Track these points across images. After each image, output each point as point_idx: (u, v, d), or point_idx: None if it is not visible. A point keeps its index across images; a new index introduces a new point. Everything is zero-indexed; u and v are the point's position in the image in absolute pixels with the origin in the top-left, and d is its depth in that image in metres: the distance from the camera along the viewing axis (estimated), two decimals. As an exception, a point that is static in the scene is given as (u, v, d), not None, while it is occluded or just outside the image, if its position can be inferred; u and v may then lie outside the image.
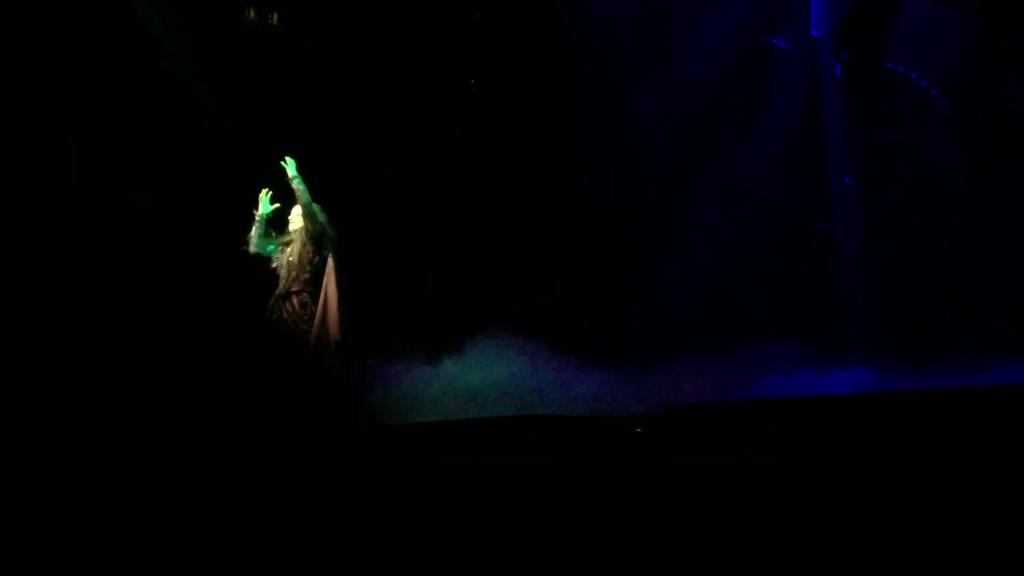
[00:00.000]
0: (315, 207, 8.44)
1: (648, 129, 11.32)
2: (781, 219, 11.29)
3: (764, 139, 11.39)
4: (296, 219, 8.54)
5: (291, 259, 8.43)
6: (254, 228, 8.48)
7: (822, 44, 11.38)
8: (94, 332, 8.80)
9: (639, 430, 6.79)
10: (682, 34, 11.40)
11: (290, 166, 8.37)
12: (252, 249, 8.51)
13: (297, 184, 8.35)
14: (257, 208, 8.51)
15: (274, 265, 8.52)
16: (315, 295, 8.37)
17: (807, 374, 10.30)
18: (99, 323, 8.85)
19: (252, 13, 10.18)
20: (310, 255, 8.41)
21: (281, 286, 8.43)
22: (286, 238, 8.56)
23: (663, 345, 10.44)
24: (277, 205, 8.52)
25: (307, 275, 8.40)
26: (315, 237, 8.41)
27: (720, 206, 11.27)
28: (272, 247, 8.55)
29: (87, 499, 5.97)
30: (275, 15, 10.24)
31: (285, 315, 8.37)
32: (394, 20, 10.46)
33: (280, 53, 10.14)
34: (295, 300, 8.39)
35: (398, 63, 10.50)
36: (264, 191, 8.50)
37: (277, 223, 8.63)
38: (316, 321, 8.31)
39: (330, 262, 8.43)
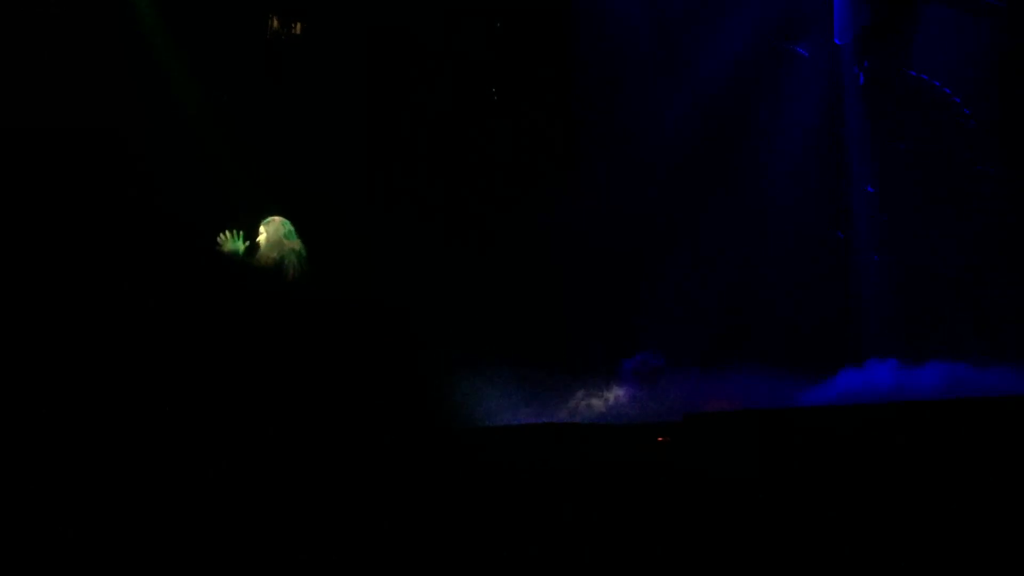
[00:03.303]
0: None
1: (668, 137, 11.31)
2: (803, 228, 11.27)
3: (786, 147, 11.38)
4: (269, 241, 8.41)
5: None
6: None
7: (844, 52, 11.37)
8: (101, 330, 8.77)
9: (660, 439, 6.80)
10: (702, 42, 11.40)
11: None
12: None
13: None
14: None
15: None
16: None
17: (829, 383, 10.28)
18: (106, 321, 8.82)
19: (275, 23, 10.24)
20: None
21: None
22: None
23: (681, 354, 10.42)
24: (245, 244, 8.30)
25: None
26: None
27: (741, 214, 11.26)
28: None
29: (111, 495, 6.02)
30: (298, 25, 10.29)
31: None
32: (415, 29, 10.49)
33: (298, 60, 10.16)
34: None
35: (417, 72, 10.53)
36: (225, 237, 8.10)
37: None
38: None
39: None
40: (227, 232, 8.08)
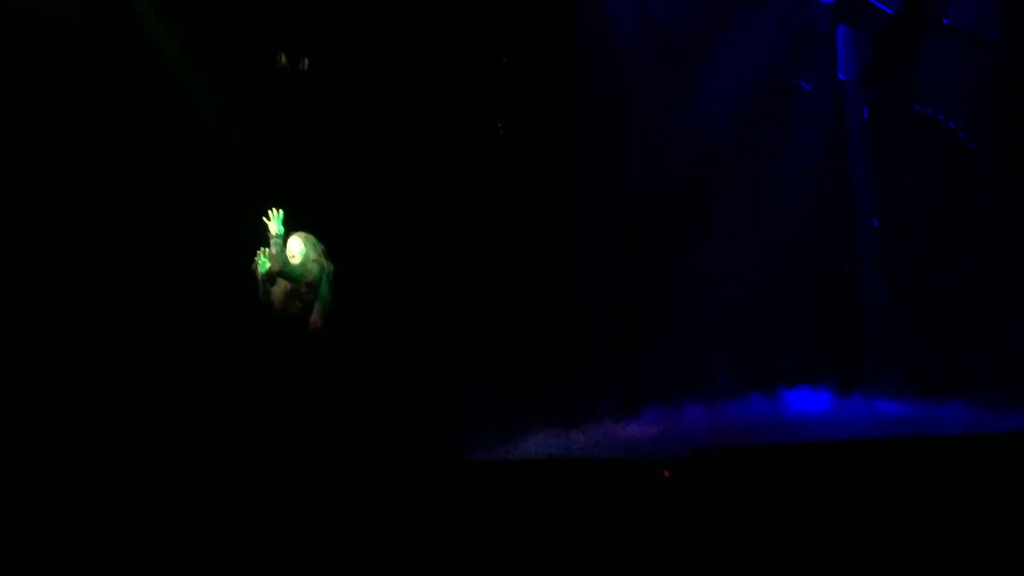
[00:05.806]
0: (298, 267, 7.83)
1: (670, 172, 11.33)
2: (808, 262, 11.25)
3: (791, 183, 11.38)
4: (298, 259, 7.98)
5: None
6: (272, 248, 7.73)
7: (849, 87, 11.40)
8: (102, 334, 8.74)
9: (667, 474, 6.75)
10: (707, 77, 11.42)
11: (276, 221, 7.74)
12: (263, 270, 7.80)
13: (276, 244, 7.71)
14: (269, 229, 7.77)
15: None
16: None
17: (835, 419, 10.23)
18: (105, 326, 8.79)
19: (282, 59, 10.28)
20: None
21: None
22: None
23: (684, 388, 10.39)
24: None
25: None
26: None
27: (746, 249, 11.25)
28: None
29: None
30: (305, 61, 10.32)
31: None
32: (420, 63, 10.51)
33: (307, 90, 10.18)
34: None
35: (423, 105, 10.53)
36: (273, 212, 7.80)
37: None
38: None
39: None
40: (261, 253, 7.75)
